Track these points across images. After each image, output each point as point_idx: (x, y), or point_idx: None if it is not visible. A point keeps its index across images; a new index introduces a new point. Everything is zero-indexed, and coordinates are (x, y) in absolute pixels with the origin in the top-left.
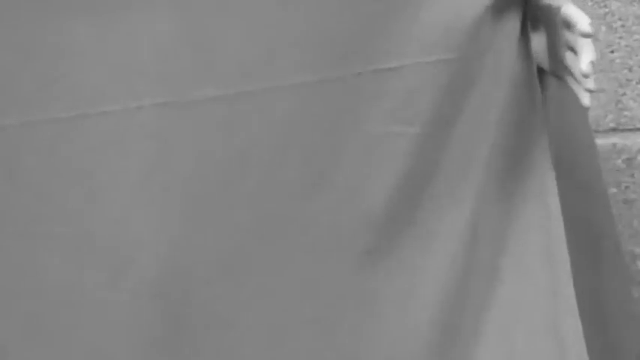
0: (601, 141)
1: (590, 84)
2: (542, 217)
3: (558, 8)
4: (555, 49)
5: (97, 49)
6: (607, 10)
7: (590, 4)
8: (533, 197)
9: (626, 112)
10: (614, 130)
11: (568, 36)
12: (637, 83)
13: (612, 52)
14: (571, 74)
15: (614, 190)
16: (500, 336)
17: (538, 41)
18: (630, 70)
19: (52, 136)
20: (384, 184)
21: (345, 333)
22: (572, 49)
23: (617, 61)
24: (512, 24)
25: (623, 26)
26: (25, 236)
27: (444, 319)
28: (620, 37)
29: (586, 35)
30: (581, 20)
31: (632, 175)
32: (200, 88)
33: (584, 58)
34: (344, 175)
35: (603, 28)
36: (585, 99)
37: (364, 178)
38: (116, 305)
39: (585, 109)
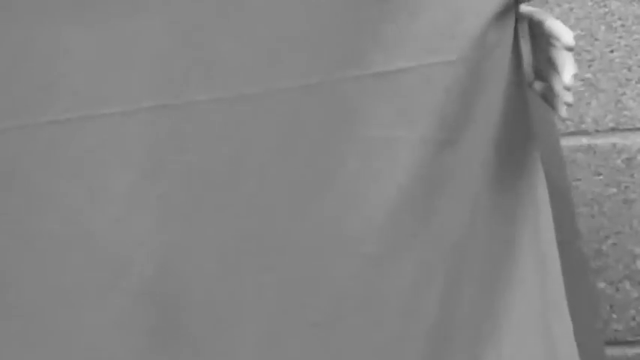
0: (601, 141)
1: (570, 97)
2: (533, 223)
3: (540, 22)
4: (535, 61)
5: (95, 51)
6: (607, 9)
7: (590, 4)
8: (526, 201)
9: (625, 112)
10: (613, 129)
11: (552, 50)
12: (637, 83)
13: (612, 51)
14: (548, 86)
15: (614, 190)
16: (495, 338)
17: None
18: (630, 69)
19: (51, 138)
20: (385, 188)
21: (346, 336)
22: (553, 62)
23: (617, 60)
24: (508, 31)
25: (622, 26)
26: (25, 237)
27: (444, 323)
28: (620, 37)
29: (569, 48)
30: (565, 33)
31: (632, 175)
32: (199, 90)
33: (567, 71)
34: (345, 178)
35: (603, 28)
36: (563, 111)
37: (365, 181)
38: (116, 306)
39: (554, 121)
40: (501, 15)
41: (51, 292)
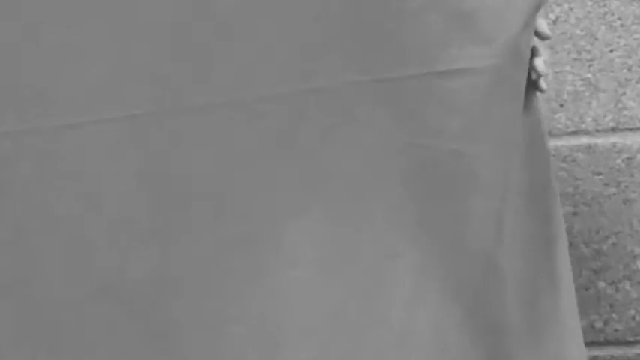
0: (601, 141)
1: (544, 84)
2: (547, 240)
3: None
4: None
5: (88, 57)
6: (606, 9)
7: (589, 3)
8: (540, 218)
9: (625, 112)
10: (613, 129)
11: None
12: (636, 83)
13: (611, 51)
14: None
15: (613, 190)
16: (507, 348)
17: None
18: (630, 69)
19: (46, 144)
20: (383, 194)
21: (345, 341)
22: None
23: (617, 60)
24: (522, 41)
25: (622, 25)
26: (18, 244)
27: (445, 333)
28: (620, 37)
29: (545, 37)
30: (542, 23)
31: (632, 175)
32: (194, 96)
33: (540, 58)
34: (342, 184)
35: (603, 28)
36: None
37: (363, 187)
38: (108, 312)
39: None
40: (514, 23)
41: (43, 298)
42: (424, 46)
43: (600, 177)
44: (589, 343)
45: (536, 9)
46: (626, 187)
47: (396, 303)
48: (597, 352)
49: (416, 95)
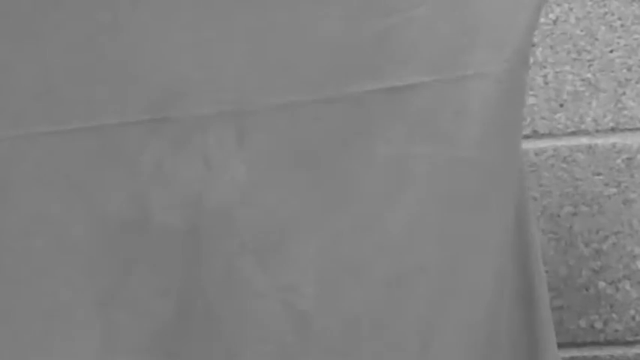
0: (601, 141)
1: None
2: (522, 249)
3: None
4: None
5: (92, 61)
6: (606, 9)
7: (589, 3)
8: (519, 226)
9: (625, 112)
10: (613, 129)
11: None
12: (636, 83)
13: (612, 51)
14: None
15: (614, 190)
16: None
17: None
18: (630, 69)
19: (45, 149)
20: (397, 208)
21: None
22: None
23: (617, 60)
24: (525, 43)
25: (622, 26)
26: (14, 251)
27: (461, 347)
28: (620, 37)
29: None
30: None
31: (632, 175)
32: (201, 104)
33: None
34: (357, 199)
35: (603, 28)
36: None
37: (378, 201)
38: (102, 323)
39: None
40: (520, 27)
41: (36, 307)
42: (434, 54)
43: (600, 177)
44: (589, 343)
45: (539, 11)
46: (626, 187)
47: (413, 323)
48: (597, 352)
49: (428, 103)
